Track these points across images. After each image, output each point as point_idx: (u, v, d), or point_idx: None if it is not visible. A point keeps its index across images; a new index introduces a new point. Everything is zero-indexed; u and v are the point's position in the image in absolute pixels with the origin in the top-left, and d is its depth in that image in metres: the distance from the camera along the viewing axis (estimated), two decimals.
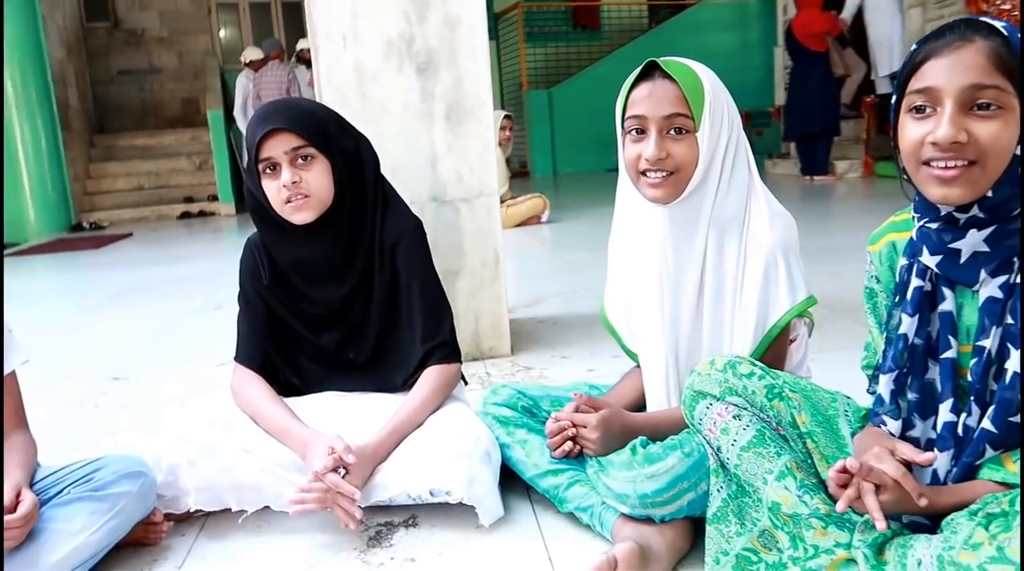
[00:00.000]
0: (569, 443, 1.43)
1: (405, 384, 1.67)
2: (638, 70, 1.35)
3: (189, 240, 6.91)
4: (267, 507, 1.52)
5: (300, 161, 1.54)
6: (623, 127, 1.36)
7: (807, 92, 7.19)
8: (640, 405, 1.56)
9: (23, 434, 1.46)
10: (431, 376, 1.63)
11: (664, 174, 1.32)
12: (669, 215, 1.38)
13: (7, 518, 1.23)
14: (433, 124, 2.47)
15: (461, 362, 1.71)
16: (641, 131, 1.33)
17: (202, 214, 8.83)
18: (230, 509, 1.53)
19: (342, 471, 1.43)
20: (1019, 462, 1.06)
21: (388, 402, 1.65)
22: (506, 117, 5.84)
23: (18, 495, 1.27)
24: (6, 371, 1.45)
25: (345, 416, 1.62)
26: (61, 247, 6.85)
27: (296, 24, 11.09)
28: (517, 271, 3.97)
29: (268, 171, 1.55)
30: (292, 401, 1.65)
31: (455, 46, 2.46)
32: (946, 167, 1.00)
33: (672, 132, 1.32)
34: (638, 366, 1.60)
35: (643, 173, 1.34)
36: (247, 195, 1.64)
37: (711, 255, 1.37)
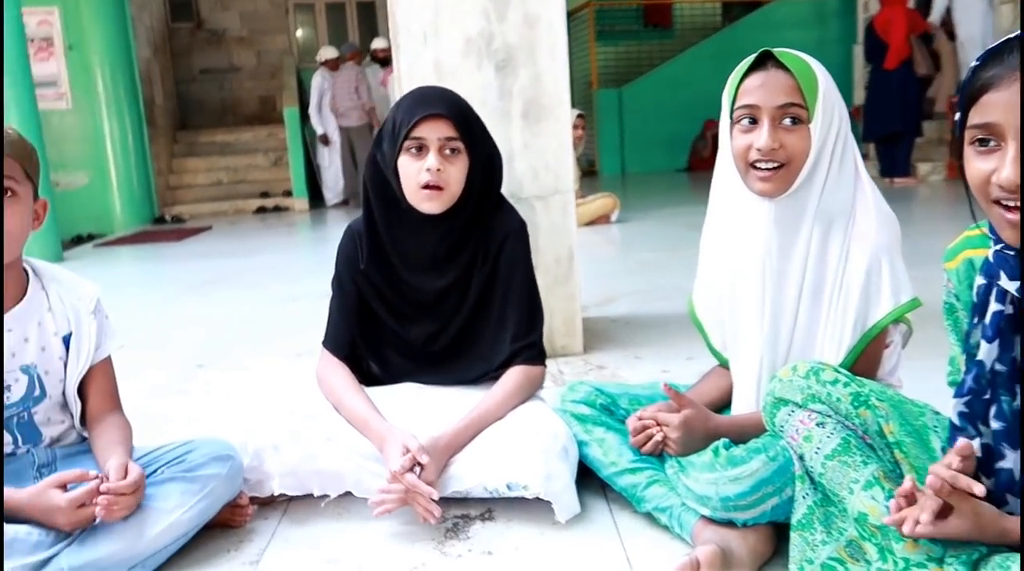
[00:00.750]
0: (652, 442, 1.42)
1: (485, 379, 1.69)
2: (749, 60, 1.33)
3: (264, 234, 7.10)
4: (348, 493, 1.56)
5: (448, 152, 1.57)
6: (732, 117, 1.34)
7: (888, 91, 6.96)
8: (720, 406, 1.54)
9: (119, 416, 1.52)
10: (516, 374, 1.64)
11: (775, 166, 1.30)
12: (775, 209, 1.35)
13: (116, 486, 1.28)
14: (510, 122, 2.48)
15: (546, 366, 1.71)
16: (753, 121, 1.31)
17: (277, 209, 9.06)
18: (312, 494, 1.58)
19: (418, 469, 1.45)
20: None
21: (467, 396, 1.67)
22: (579, 116, 5.83)
23: (126, 471, 1.32)
24: (104, 355, 1.52)
25: (424, 409, 1.65)
26: (145, 239, 7.13)
27: (370, 24, 11.29)
28: (588, 270, 3.94)
29: (413, 151, 1.57)
30: (373, 391, 1.68)
31: (534, 43, 2.47)
32: (1015, 208, 0.93)
33: (786, 122, 1.29)
34: (720, 365, 1.58)
35: (753, 165, 1.31)
36: (369, 171, 1.66)
37: (814, 251, 1.34)
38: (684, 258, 4.19)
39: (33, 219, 1.39)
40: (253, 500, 1.57)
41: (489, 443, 1.54)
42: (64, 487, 1.29)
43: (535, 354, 1.68)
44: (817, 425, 1.17)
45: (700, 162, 10.42)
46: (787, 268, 1.37)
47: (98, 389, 1.50)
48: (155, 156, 8.88)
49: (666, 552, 1.37)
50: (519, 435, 1.52)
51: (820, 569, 1.16)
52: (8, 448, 1.43)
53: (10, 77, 5.50)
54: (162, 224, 8.33)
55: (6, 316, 1.41)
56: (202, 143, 10.11)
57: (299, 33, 11.47)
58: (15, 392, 1.41)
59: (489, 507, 1.56)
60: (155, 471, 1.44)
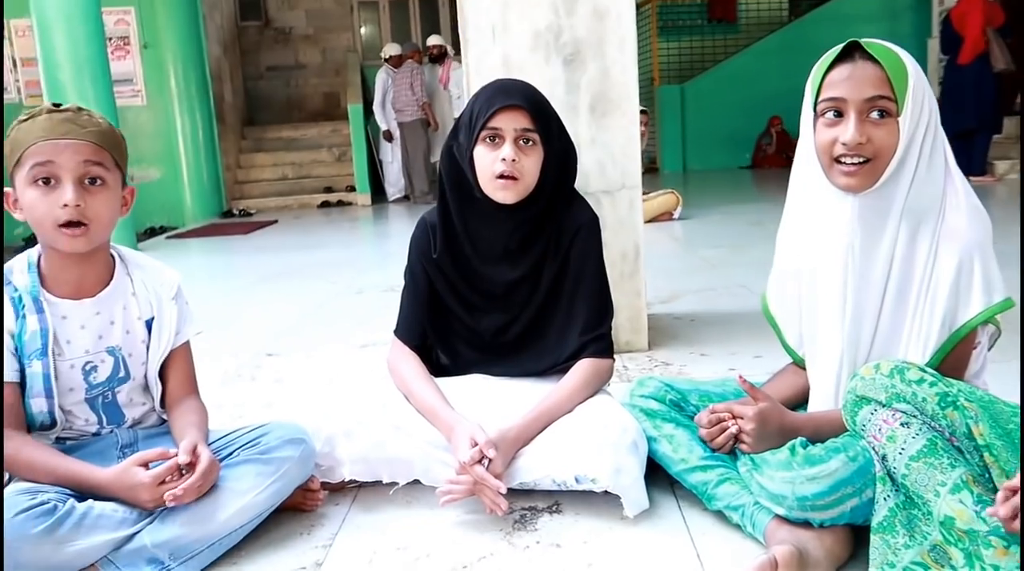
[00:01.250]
0: (726, 435, 1.40)
1: (553, 372, 1.69)
2: (836, 51, 1.29)
3: (328, 228, 7.23)
4: (416, 481, 1.58)
5: (523, 143, 1.58)
6: (815, 111, 1.31)
7: (962, 87, 6.71)
8: (794, 405, 1.50)
9: (196, 400, 1.56)
10: (584, 367, 1.63)
11: (861, 161, 1.26)
12: (859, 205, 1.31)
13: (193, 479, 1.32)
14: (577, 116, 2.47)
15: (614, 359, 1.70)
16: (838, 114, 1.28)
17: (340, 204, 9.21)
18: (381, 481, 1.60)
19: (486, 461, 1.46)
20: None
21: (535, 388, 1.68)
22: (642, 112, 5.78)
23: (195, 452, 1.36)
24: (183, 340, 1.57)
25: (492, 400, 1.65)
26: (214, 231, 7.33)
27: (432, 21, 11.38)
28: (651, 267, 3.89)
29: (488, 141, 1.58)
30: (442, 382, 1.69)
31: (603, 37, 2.45)
32: None
33: (873, 115, 1.26)
34: (794, 363, 1.54)
35: (837, 159, 1.28)
36: (445, 162, 1.68)
37: (901, 248, 1.29)
38: (749, 256, 4.13)
39: (121, 206, 1.44)
40: (324, 486, 1.60)
41: (557, 436, 1.54)
42: (146, 465, 1.34)
43: (604, 347, 1.67)
44: (901, 425, 1.14)
45: (764, 159, 10.22)
46: (871, 265, 1.33)
47: (177, 373, 1.55)
48: (224, 151, 9.12)
49: (737, 551, 1.34)
50: (588, 428, 1.51)
51: None
52: (93, 428, 1.49)
53: (90, 74, 5.72)
54: (230, 217, 8.55)
55: (94, 299, 1.46)
56: (269, 139, 10.34)
57: (363, 31, 11.63)
58: (101, 372, 1.47)
59: (556, 500, 1.55)
60: (231, 453, 1.48)
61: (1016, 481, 0.99)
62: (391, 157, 9.23)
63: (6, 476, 1.43)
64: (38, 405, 1.42)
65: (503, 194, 1.60)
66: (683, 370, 2.35)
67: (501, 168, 1.56)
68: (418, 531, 1.49)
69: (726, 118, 10.51)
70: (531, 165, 1.60)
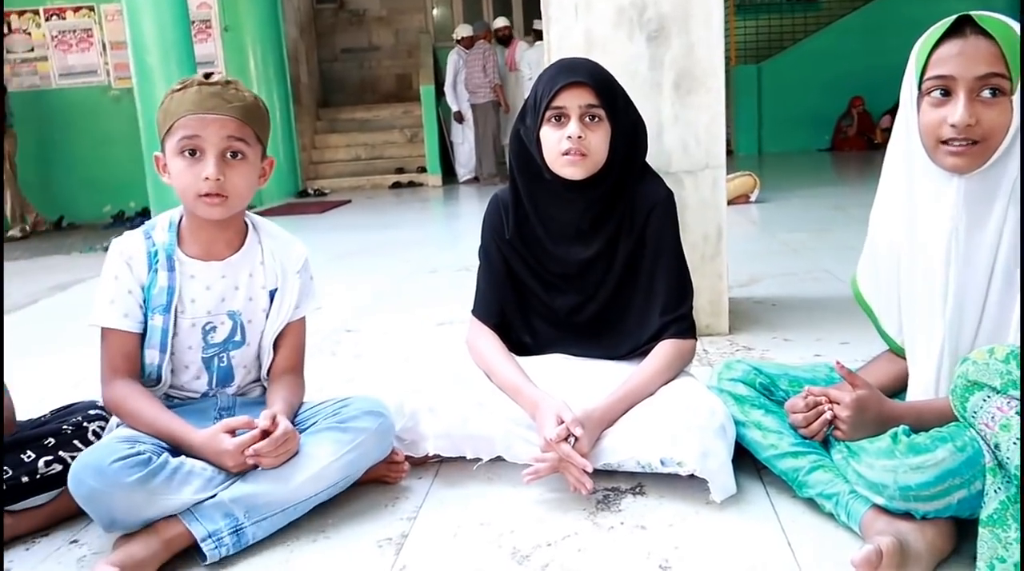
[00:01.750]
0: (821, 420, 1.35)
1: (633, 353, 1.66)
2: (944, 24, 1.22)
3: (400, 208, 7.31)
4: (498, 457, 1.58)
5: (588, 119, 1.57)
6: (920, 89, 1.25)
7: None
8: (890, 393, 1.44)
9: (296, 376, 1.59)
10: (667, 348, 1.61)
11: (968, 142, 1.20)
12: (965, 186, 1.24)
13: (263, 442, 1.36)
14: (660, 93, 2.42)
15: (696, 340, 1.67)
16: (946, 93, 1.21)
17: (411, 184, 9.30)
18: (464, 457, 1.61)
19: (572, 439, 1.45)
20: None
21: (615, 369, 1.66)
22: None
23: (274, 420, 1.39)
24: (300, 314, 1.60)
25: (572, 380, 1.64)
26: (290, 210, 7.50)
27: (504, 2, 11.33)
28: (729, 250, 3.83)
29: (554, 120, 1.58)
30: (522, 360, 1.69)
31: (688, 11, 2.39)
32: None
33: (984, 94, 1.19)
34: (890, 350, 1.48)
35: (945, 141, 1.22)
36: (514, 145, 1.68)
37: (1008, 231, 1.23)
38: (831, 240, 4.00)
39: (259, 176, 1.50)
40: (407, 459, 1.62)
41: (643, 417, 1.52)
42: (233, 432, 1.38)
43: (686, 328, 1.64)
44: (1017, 413, 1.08)
45: (844, 142, 9.88)
46: (976, 249, 1.26)
47: (288, 346, 1.59)
48: (299, 132, 9.31)
49: (829, 540, 1.30)
50: (674, 410, 1.49)
51: (1013, 568, 1.08)
52: (202, 388, 1.55)
53: (176, 57, 5.88)
54: (305, 197, 8.73)
55: (223, 262, 1.52)
56: (343, 120, 10.50)
57: (435, 12, 11.66)
58: (219, 334, 1.53)
59: (639, 481, 1.54)
60: (314, 423, 1.51)
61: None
62: (462, 138, 9.26)
63: (113, 420, 1.50)
64: (151, 356, 1.49)
65: (571, 170, 1.58)
66: (766, 355, 2.29)
67: (567, 145, 1.55)
68: (501, 507, 1.49)
69: (805, 99, 10.19)
70: (598, 141, 1.58)
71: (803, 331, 2.50)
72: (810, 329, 2.51)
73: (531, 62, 8.69)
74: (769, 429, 1.46)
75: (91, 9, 8.46)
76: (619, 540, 1.35)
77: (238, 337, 1.54)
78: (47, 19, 8.46)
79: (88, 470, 1.28)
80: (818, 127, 10.21)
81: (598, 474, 1.52)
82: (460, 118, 9.08)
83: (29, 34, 8.48)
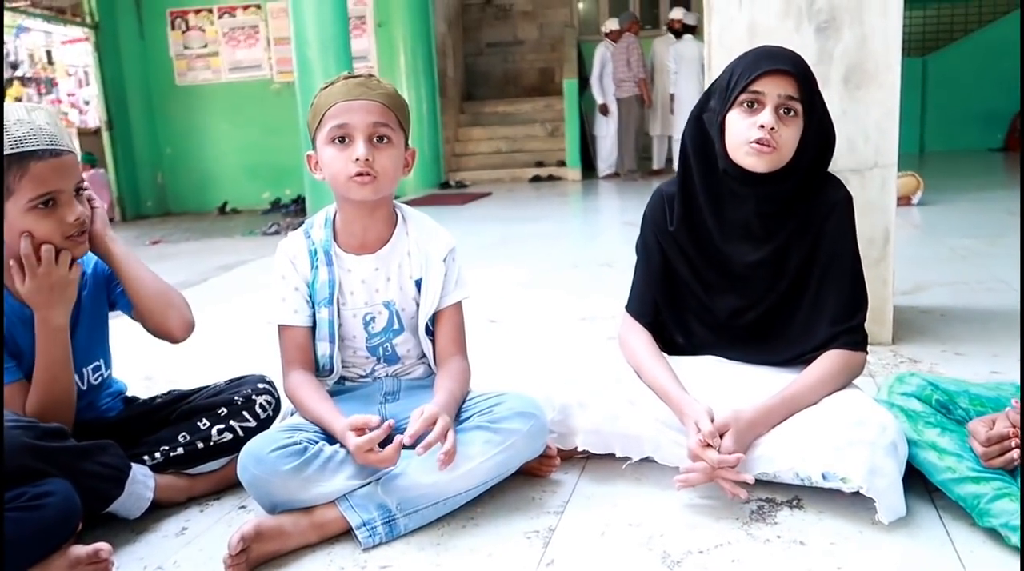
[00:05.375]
0: (1009, 455, 1.24)
1: (795, 362, 1.59)
2: None
3: (539, 202, 7.35)
4: (647, 458, 1.55)
5: (784, 112, 1.49)
6: None
7: None
8: None
9: (459, 361, 1.61)
10: (834, 358, 1.52)
11: None
12: None
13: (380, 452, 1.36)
14: (829, 87, 2.29)
15: (867, 353, 1.57)
16: None
17: (551, 178, 9.33)
18: (612, 455, 1.59)
19: (717, 441, 1.40)
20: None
21: (773, 377, 1.58)
22: None
23: (433, 420, 1.38)
24: (449, 302, 1.62)
25: (727, 385, 1.59)
26: (433, 201, 7.70)
27: None
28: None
29: (746, 106, 1.49)
30: (674, 361, 1.64)
31: (862, 1, 2.25)
32: None
33: None
34: None
35: None
36: (692, 129, 1.60)
37: None
38: (1006, 248, 3.68)
39: (403, 166, 1.54)
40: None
41: (804, 427, 1.44)
42: (361, 431, 1.37)
43: (859, 340, 1.54)
44: None
45: (1020, 141, 9.07)
46: None
47: (443, 332, 1.62)
48: (444, 125, 9.54)
49: None
50: (840, 422, 1.40)
51: None
52: (370, 369, 1.61)
53: (334, 52, 6.17)
54: (447, 189, 8.94)
55: (374, 255, 1.58)
56: (485, 113, 10.67)
57: (581, 6, 11.63)
58: (378, 323, 1.59)
59: (796, 494, 1.47)
60: (467, 418, 1.52)
61: None
62: (604, 132, 9.20)
63: (287, 406, 1.58)
64: (322, 349, 1.57)
65: (754, 161, 1.50)
66: (934, 369, 2.14)
67: (758, 134, 1.47)
68: (650, 509, 1.46)
69: (975, 94, 9.44)
70: (790, 136, 1.49)
71: (977, 345, 2.31)
72: (985, 343, 2.32)
73: (678, 56, 8.49)
74: (946, 451, 1.35)
75: (258, 7, 9.02)
76: (776, 554, 1.30)
77: (396, 326, 1.60)
78: (219, 17, 9.08)
79: (250, 458, 1.37)
80: (989, 125, 9.44)
81: (753, 483, 1.46)
82: (605, 110, 9.01)
83: (203, 31, 9.14)
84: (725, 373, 1.64)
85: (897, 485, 1.35)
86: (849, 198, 1.59)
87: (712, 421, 1.43)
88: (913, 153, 9.62)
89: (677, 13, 8.80)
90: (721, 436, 1.41)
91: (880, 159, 2.30)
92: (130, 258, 1.55)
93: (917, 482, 1.42)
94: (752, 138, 1.47)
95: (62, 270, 1.42)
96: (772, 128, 1.46)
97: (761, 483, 1.48)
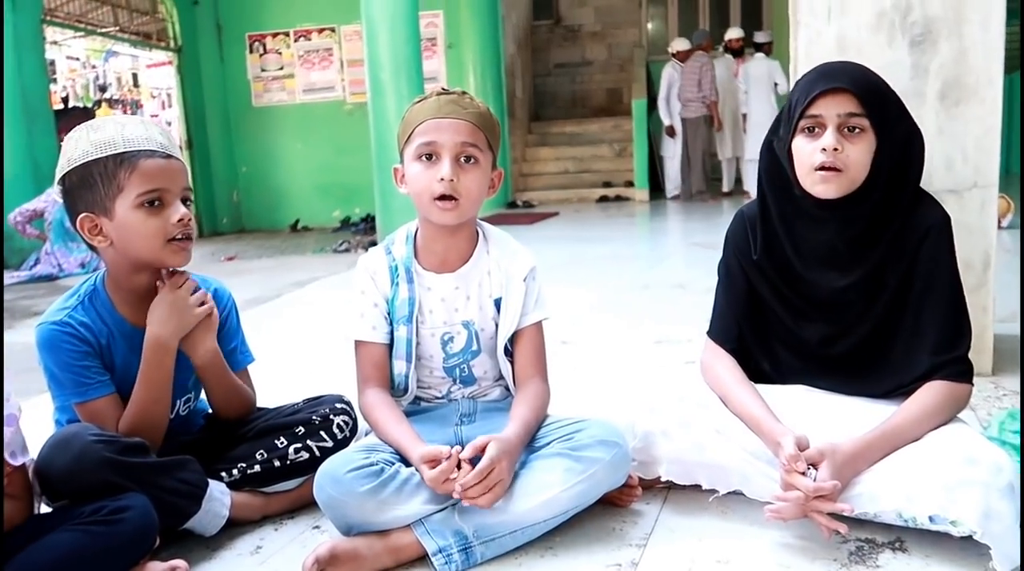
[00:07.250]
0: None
1: (894, 394, 1.49)
2: None
3: (607, 223, 7.28)
4: (735, 492, 1.47)
5: (847, 130, 1.42)
6: None
7: None
8: None
9: (537, 384, 1.55)
10: (938, 389, 1.42)
11: None
12: None
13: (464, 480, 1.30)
14: (924, 104, 2.18)
15: (973, 385, 1.46)
16: None
17: (618, 198, 9.26)
18: (695, 485, 1.52)
19: (812, 472, 1.32)
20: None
21: (870, 409, 1.49)
22: None
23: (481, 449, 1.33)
24: (529, 322, 1.58)
25: (819, 416, 1.50)
26: (501, 221, 7.68)
27: (722, 14, 11.04)
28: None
29: (808, 131, 1.44)
30: (761, 389, 1.56)
31: (961, 13, 2.14)
32: None
33: None
34: None
35: None
36: (765, 158, 1.55)
37: None
38: None
39: (488, 187, 1.51)
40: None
41: (908, 464, 1.34)
42: (436, 462, 1.32)
43: (963, 370, 1.44)
44: None
45: None
46: None
47: (522, 353, 1.58)
48: (512, 145, 9.57)
49: None
50: (949, 461, 1.30)
51: None
52: (446, 390, 1.58)
53: (406, 73, 6.25)
54: (514, 209, 8.95)
55: (454, 274, 1.55)
56: (553, 134, 10.68)
57: (650, 26, 11.58)
58: (456, 343, 1.56)
59: (899, 536, 1.37)
60: (547, 444, 1.47)
61: None
62: (672, 153, 9.09)
63: (363, 426, 1.56)
64: (399, 367, 1.54)
65: (822, 188, 1.43)
66: None
67: (820, 159, 1.40)
68: (739, 546, 1.38)
69: None
70: (858, 155, 1.41)
71: None
72: None
73: (748, 76, 8.35)
74: None
75: (332, 30, 9.24)
76: None
77: (475, 347, 1.56)
78: (295, 40, 9.34)
79: (327, 478, 1.35)
80: None
81: (848, 521, 1.37)
82: (672, 132, 8.91)
83: (280, 54, 9.40)
84: (817, 403, 1.55)
85: (1015, 531, 1.24)
86: (947, 219, 1.50)
87: (803, 449, 1.34)
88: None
89: (734, 33, 8.72)
90: (815, 467, 1.33)
91: (980, 179, 2.17)
92: (215, 368, 1.56)
93: None
94: (816, 163, 1.41)
95: (183, 292, 1.47)
96: (835, 149, 1.39)
97: (859, 522, 1.38)
